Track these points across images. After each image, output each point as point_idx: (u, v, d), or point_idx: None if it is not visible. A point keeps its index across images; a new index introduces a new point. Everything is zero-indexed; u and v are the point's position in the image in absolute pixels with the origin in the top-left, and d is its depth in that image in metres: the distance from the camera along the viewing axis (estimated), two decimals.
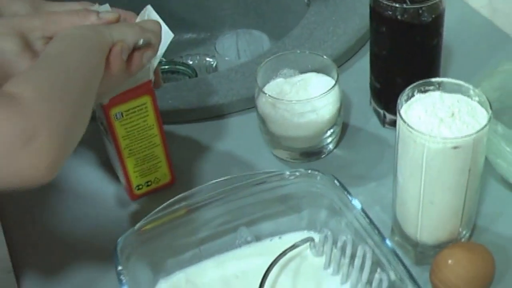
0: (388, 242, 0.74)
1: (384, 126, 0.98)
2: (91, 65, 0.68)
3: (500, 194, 0.89)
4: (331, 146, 0.95)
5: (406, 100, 0.75)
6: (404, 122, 0.72)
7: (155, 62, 0.81)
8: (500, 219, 0.87)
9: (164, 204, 0.78)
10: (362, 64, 1.06)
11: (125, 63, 0.72)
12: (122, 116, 0.82)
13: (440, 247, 0.79)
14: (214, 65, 1.28)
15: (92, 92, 0.68)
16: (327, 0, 1.15)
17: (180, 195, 0.78)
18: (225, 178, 0.79)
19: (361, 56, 1.08)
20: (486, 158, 0.83)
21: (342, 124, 0.97)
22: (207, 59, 1.29)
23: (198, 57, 1.29)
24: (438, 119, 0.73)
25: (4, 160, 0.57)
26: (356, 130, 0.99)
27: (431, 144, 0.71)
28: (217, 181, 0.79)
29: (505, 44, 1.10)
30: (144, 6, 0.83)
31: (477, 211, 0.85)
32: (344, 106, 0.97)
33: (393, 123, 0.94)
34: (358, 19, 1.10)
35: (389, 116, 0.97)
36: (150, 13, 0.82)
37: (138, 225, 0.76)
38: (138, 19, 0.81)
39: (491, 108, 0.73)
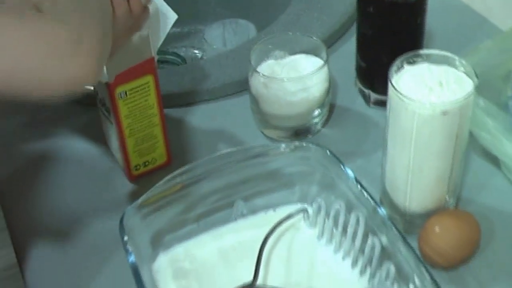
0: (381, 208, 0.77)
1: (369, 105, 1.02)
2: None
3: (484, 167, 0.93)
4: (319, 126, 0.98)
5: (396, 71, 0.78)
6: (396, 90, 0.75)
7: (158, 43, 0.84)
8: (484, 191, 0.91)
9: (166, 178, 0.80)
10: (346, 48, 1.10)
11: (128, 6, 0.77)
12: (126, 95, 0.85)
13: (427, 215, 0.83)
14: (200, 56, 1.31)
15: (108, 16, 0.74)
16: None
17: (180, 169, 0.81)
18: (222, 152, 0.82)
19: (345, 41, 1.12)
20: (470, 132, 0.87)
21: (330, 104, 1.00)
22: (194, 51, 1.32)
23: (184, 49, 1.32)
24: (427, 88, 0.76)
25: (59, 63, 0.65)
26: (343, 110, 1.02)
27: (421, 110, 0.75)
28: (215, 156, 0.82)
29: (483, 27, 1.13)
30: None
31: (462, 183, 0.89)
32: (332, 87, 1.01)
33: (378, 103, 0.98)
34: (342, 5, 1.14)
35: (374, 96, 1.00)
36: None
37: (140, 199, 0.79)
38: None
39: (476, 76, 0.76)
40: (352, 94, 1.04)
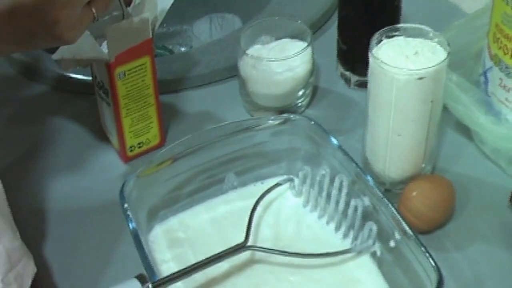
0: (363, 171, 0.83)
1: (350, 87, 1.08)
2: None
3: (457, 139, 0.99)
4: (303, 106, 1.05)
5: (376, 44, 0.85)
6: (376, 58, 0.82)
7: (157, 23, 0.89)
8: (458, 160, 0.97)
9: (162, 150, 0.86)
10: (329, 34, 1.16)
11: None
12: (125, 75, 0.91)
13: (405, 182, 0.89)
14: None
15: None
16: None
17: (176, 143, 0.86)
18: (214, 126, 0.88)
19: (328, 27, 1.18)
20: (444, 105, 0.94)
21: (313, 86, 1.06)
22: (182, 48, 1.37)
23: (171, 46, 1.37)
24: (404, 56, 0.83)
25: None
26: (325, 92, 1.08)
27: (399, 76, 0.82)
28: (208, 129, 0.89)
29: (455, 14, 1.19)
30: None
31: (438, 153, 0.95)
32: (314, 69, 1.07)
33: (359, 84, 1.05)
34: None
35: (354, 77, 1.07)
36: None
37: (139, 170, 0.84)
38: None
39: (448, 45, 0.83)
40: (334, 77, 1.10)
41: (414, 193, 0.86)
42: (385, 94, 0.83)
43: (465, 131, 0.98)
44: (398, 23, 1.01)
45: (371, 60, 0.83)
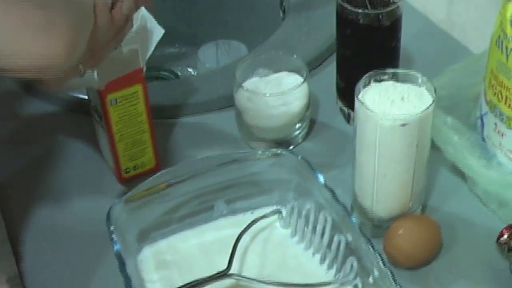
0: (346, 210, 0.84)
1: (348, 122, 1.09)
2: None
3: (450, 179, 1.00)
4: (300, 139, 1.06)
5: (364, 87, 0.86)
6: (361, 103, 0.83)
7: (146, 55, 0.91)
8: (450, 200, 0.98)
9: (151, 177, 0.88)
10: (332, 69, 1.16)
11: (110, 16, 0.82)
12: (116, 102, 0.93)
13: (392, 220, 0.90)
14: (195, 74, 1.38)
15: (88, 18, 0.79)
16: (301, 12, 1.26)
17: (164, 170, 0.89)
18: (204, 156, 0.90)
19: (330, 62, 1.19)
20: (437, 146, 0.95)
21: (311, 120, 1.08)
22: (189, 69, 1.39)
23: (180, 68, 1.40)
24: (390, 101, 0.84)
25: (30, 43, 0.70)
26: (323, 126, 1.10)
27: (383, 121, 0.82)
28: (197, 159, 0.90)
29: (463, 55, 1.20)
30: None
31: (429, 193, 0.97)
32: (314, 105, 1.09)
33: None
34: (329, 29, 1.20)
35: (353, 114, 1.07)
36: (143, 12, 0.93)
37: (126, 195, 0.86)
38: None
39: (435, 92, 0.84)
40: (333, 111, 1.12)
41: (400, 231, 0.87)
42: (370, 137, 0.84)
43: (459, 171, 0.99)
44: (397, 63, 1.03)
45: (356, 103, 0.84)
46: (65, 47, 0.72)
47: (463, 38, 1.23)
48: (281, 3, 1.34)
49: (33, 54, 0.71)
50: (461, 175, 0.99)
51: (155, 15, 1.38)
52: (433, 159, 0.93)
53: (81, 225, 0.97)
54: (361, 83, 0.86)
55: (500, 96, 0.91)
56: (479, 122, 0.98)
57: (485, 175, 0.93)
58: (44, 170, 1.04)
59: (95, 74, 0.90)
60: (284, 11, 1.33)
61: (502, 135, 0.93)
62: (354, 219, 0.83)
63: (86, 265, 0.92)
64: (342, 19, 1.00)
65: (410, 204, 0.90)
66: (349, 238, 0.83)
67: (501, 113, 0.92)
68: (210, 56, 1.34)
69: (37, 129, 1.12)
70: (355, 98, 0.84)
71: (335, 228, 0.85)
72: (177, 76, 1.33)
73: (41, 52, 0.71)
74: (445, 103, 0.99)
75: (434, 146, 0.94)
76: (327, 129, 1.10)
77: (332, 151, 1.05)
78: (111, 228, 0.82)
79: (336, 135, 1.09)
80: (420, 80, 0.86)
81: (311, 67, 1.17)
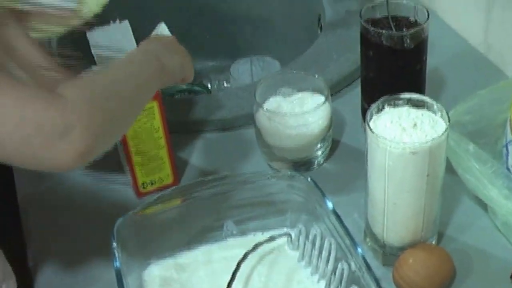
0: (351, 237, 0.83)
1: None
2: (144, 91, 0.79)
3: (471, 207, 0.98)
4: (321, 159, 1.05)
5: (377, 112, 0.85)
6: (371, 129, 0.81)
7: None
8: (469, 230, 0.95)
9: (159, 194, 0.88)
10: (359, 90, 1.15)
11: None
12: None
13: (404, 248, 0.88)
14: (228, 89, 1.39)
15: (134, 112, 0.78)
16: (336, 30, 1.25)
17: (174, 187, 0.89)
18: (215, 176, 0.90)
19: (359, 82, 1.18)
20: (457, 174, 0.92)
21: (335, 141, 1.07)
22: (225, 83, 1.39)
23: (217, 82, 1.40)
24: (401, 128, 0.82)
25: (41, 146, 0.66)
26: (347, 147, 1.08)
27: (392, 149, 0.80)
28: (207, 178, 0.90)
29: (499, 78, 1.17)
30: (159, 22, 0.94)
31: (447, 221, 0.95)
32: (339, 126, 1.08)
33: None
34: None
35: None
36: (163, 30, 0.93)
37: (134, 210, 0.86)
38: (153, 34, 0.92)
39: (449, 120, 0.82)
40: (358, 133, 1.10)
41: (409, 261, 0.86)
42: (380, 163, 0.82)
43: (481, 200, 0.96)
44: (422, 87, 1.01)
45: (367, 129, 0.83)
46: (77, 157, 0.67)
47: (499, 62, 1.21)
48: (319, 20, 1.33)
49: (43, 159, 0.67)
50: (483, 204, 0.97)
51: (193, 29, 1.40)
52: (454, 186, 0.91)
53: (96, 236, 0.96)
54: (374, 107, 0.84)
55: None
56: (504, 150, 0.96)
57: (505, 206, 0.90)
58: (63, 180, 1.05)
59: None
60: (321, 28, 1.32)
61: None
62: (359, 248, 0.81)
63: (95, 276, 0.93)
64: (366, 41, 0.99)
65: (422, 233, 0.88)
66: (353, 266, 0.81)
67: None
68: (244, 71, 1.34)
69: None
70: (366, 123, 0.83)
71: (340, 255, 0.84)
72: (208, 90, 1.33)
73: (51, 157, 0.67)
74: (469, 129, 0.97)
75: (455, 173, 0.92)
76: (350, 151, 1.08)
77: (353, 173, 1.04)
78: (114, 244, 0.83)
79: (359, 157, 1.05)
80: (435, 107, 0.84)
81: (340, 87, 1.16)
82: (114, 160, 1.05)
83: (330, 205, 0.86)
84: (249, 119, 1.09)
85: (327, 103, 1.00)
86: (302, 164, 1.03)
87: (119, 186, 1.04)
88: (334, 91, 1.11)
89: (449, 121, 0.82)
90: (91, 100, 0.69)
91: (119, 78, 0.76)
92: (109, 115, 0.71)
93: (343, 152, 1.08)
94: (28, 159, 0.67)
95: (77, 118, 0.67)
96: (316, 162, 1.04)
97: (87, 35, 0.96)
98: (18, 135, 0.65)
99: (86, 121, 0.67)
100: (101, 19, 0.90)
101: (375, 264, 0.90)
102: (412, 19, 0.99)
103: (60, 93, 0.68)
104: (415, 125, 0.82)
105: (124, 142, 0.95)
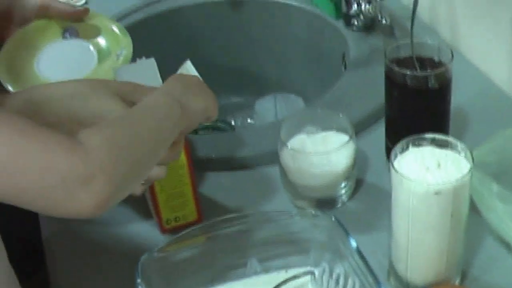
0: (375, 276, 0.82)
1: None
2: (164, 136, 0.79)
3: (495, 247, 0.97)
4: (344, 198, 1.05)
5: (401, 152, 0.85)
6: (395, 169, 0.82)
7: None
8: (493, 271, 0.95)
9: (184, 232, 0.88)
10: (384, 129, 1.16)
11: None
12: None
13: None
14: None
15: (155, 158, 0.78)
16: (360, 68, 1.26)
17: (198, 225, 0.89)
18: (238, 214, 0.91)
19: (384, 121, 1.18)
20: (481, 214, 0.92)
21: (359, 180, 1.07)
22: (249, 120, 1.40)
23: (241, 118, 1.41)
24: (425, 168, 0.82)
25: (63, 196, 0.66)
26: (371, 186, 1.08)
27: (416, 189, 0.81)
28: (230, 216, 0.90)
29: None
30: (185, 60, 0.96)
31: (470, 260, 0.94)
32: (363, 164, 1.08)
33: None
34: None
35: None
36: (189, 67, 0.95)
37: (158, 247, 0.87)
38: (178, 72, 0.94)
39: (473, 161, 0.82)
40: (383, 172, 1.10)
41: None
42: (403, 203, 0.83)
43: (505, 240, 0.96)
44: (446, 127, 1.01)
45: (391, 169, 0.83)
46: (97, 206, 0.67)
47: None
48: (343, 58, 1.34)
49: (65, 208, 0.67)
50: (507, 244, 0.96)
51: (218, 65, 1.41)
52: (478, 226, 0.91)
53: (120, 272, 0.97)
54: (398, 147, 0.85)
55: None
56: None
57: None
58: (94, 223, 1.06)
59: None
60: (345, 66, 1.33)
61: None
62: (382, 287, 0.81)
63: None
64: (390, 80, 1.00)
65: (446, 273, 0.88)
66: None
67: None
68: (268, 108, 1.35)
69: None
70: (390, 163, 0.83)
71: None
72: (232, 127, 1.34)
73: (73, 206, 0.67)
74: (493, 169, 0.97)
75: (478, 212, 0.91)
76: (374, 190, 1.08)
77: (377, 212, 1.04)
78: (138, 280, 0.83)
79: (383, 196, 1.05)
80: (459, 147, 0.84)
81: (365, 125, 1.16)
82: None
83: (354, 244, 0.86)
84: (273, 157, 1.09)
85: (351, 142, 1.00)
86: (326, 203, 1.04)
87: (143, 222, 1.04)
88: (358, 129, 1.11)
89: (473, 161, 0.82)
90: (112, 148, 0.69)
91: (139, 124, 0.76)
92: (131, 162, 0.72)
93: (367, 191, 1.08)
94: (49, 207, 0.68)
95: (99, 167, 0.67)
96: (340, 201, 1.04)
97: (114, 72, 0.97)
98: (40, 185, 0.65)
99: (108, 170, 0.67)
100: None
101: None
102: (436, 58, 1.00)
103: (82, 140, 0.68)
104: (439, 165, 0.83)
105: None
